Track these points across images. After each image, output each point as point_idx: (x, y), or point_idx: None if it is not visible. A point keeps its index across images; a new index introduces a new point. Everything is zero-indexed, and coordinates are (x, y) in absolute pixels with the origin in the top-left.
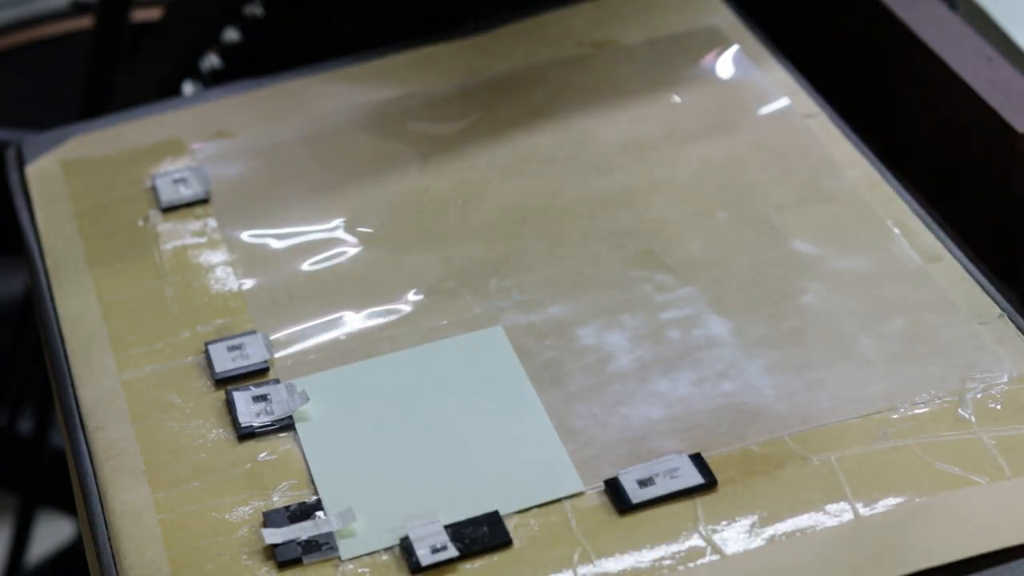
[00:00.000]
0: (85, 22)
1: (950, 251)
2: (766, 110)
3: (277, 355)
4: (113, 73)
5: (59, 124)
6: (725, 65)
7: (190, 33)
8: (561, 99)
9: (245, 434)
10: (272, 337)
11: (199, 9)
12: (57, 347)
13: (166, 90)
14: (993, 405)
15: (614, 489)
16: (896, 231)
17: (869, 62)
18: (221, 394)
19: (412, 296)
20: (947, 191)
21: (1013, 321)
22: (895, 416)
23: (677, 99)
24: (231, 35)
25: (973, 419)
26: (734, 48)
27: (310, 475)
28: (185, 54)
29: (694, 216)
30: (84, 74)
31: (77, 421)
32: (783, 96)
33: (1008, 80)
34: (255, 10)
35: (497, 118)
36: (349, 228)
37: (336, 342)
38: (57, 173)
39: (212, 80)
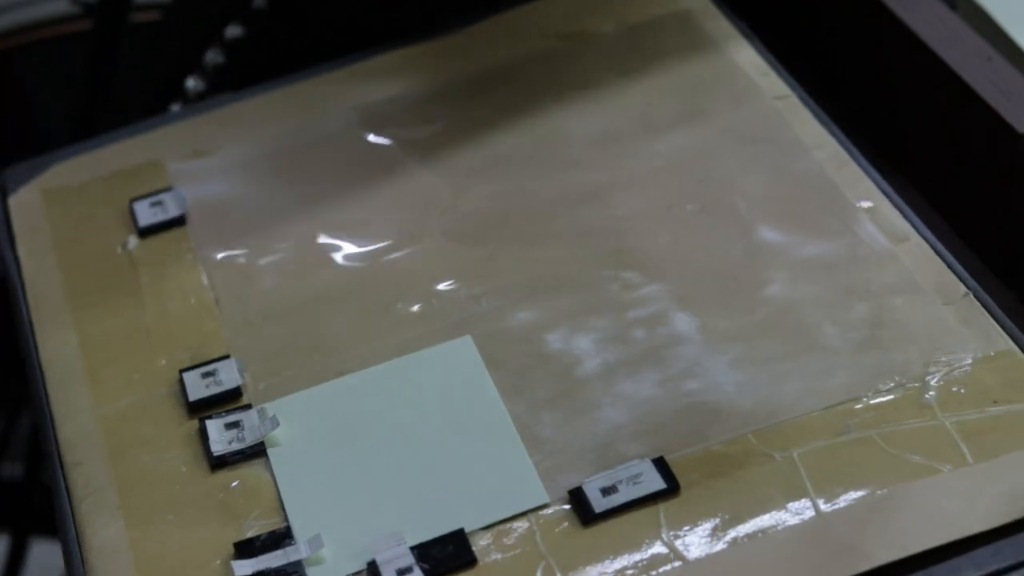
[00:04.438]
0: (87, 23)
1: (917, 229)
2: (737, 94)
3: (251, 377)
4: (112, 76)
5: (59, 124)
6: (697, 49)
7: (176, 51)
8: (533, 96)
9: (217, 463)
10: (246, 359)
11: (188, 28)
12: (38, 384)
13: (158, 102)
14: (957, 389)
15: (578, 499)
16: (863, 213)
17: (869, 62)
18: (195, 423)
19: (383, 309)
20: (947, 191)
21: (979, 299)
22: (859, 406)
23: (648, 88)
24: (215, 57)
25: (936, 405)
26: (706, 31)
27: (281, 502)
28: (172, 72)
29: (663, 209)
30: (85, 75)
31: (56, 459)
32: (754, 78)
33: (1008, 80)
34: (236, 31)
35: (468, 120)
36: (322, 243)
37: (309, 361)
38: (38, 203)
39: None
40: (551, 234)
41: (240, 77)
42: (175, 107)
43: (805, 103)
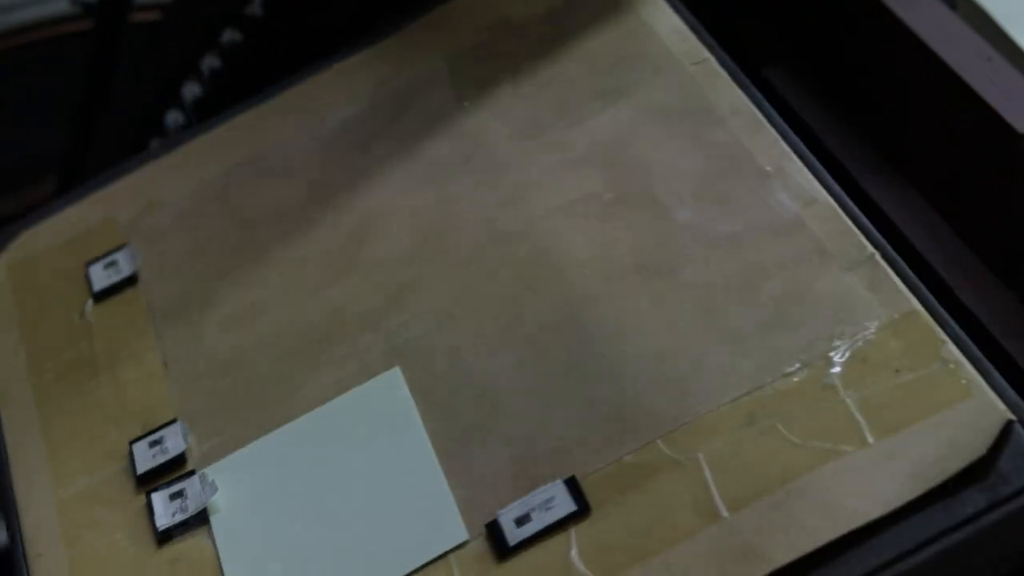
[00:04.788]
0: (87, 23)
1: (827, 187)
2: (655, 66)
3: (196, 440)
4: (112, 75)
5: (59, 125)
6: (616, 23)
7: (176, 51)
8: (463, 97)
9: (163, 538)
10: (192, 420)
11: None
12: (3, 471)
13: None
14: (860, 362)
15: (493, 533)
16: (774, 179)
17: (869, 62)
18: (144, 496)
19: (316, 349)
20: (947, 191)
21: (886, 257)
22: (767, 393)
23: (568, 73)
24: (193, 90)
25: (839, 383)
26: (625, 4)
27: (221, 572)
28: (171, 73)
29: (581, 203)
30: (85, 75)
31: (20, 550)
32: (671, 47)
33: (1008, 80)
34: (213, 62)
35: (398, 133)
36: (259, 290)
37: (250, 414)
38: (4, 278)
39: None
40: (473, 247)
41: (240, 80)
42: (155, 141)
43: (723, 64)
